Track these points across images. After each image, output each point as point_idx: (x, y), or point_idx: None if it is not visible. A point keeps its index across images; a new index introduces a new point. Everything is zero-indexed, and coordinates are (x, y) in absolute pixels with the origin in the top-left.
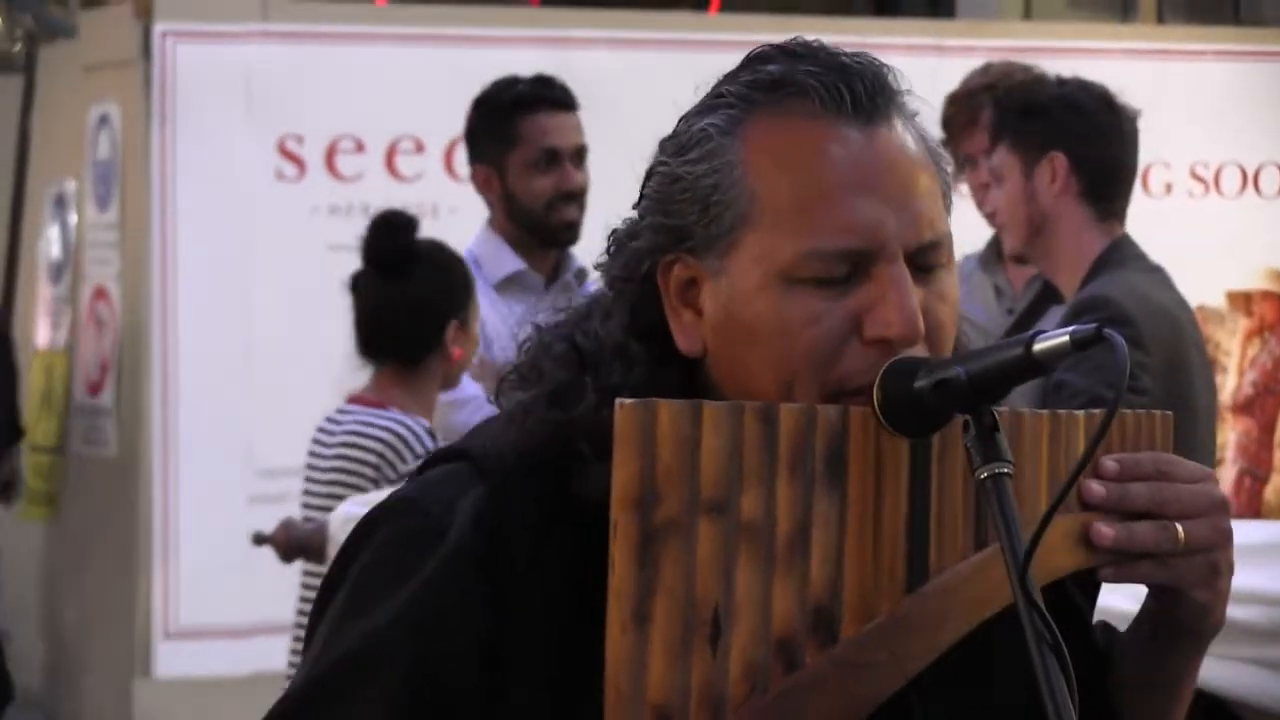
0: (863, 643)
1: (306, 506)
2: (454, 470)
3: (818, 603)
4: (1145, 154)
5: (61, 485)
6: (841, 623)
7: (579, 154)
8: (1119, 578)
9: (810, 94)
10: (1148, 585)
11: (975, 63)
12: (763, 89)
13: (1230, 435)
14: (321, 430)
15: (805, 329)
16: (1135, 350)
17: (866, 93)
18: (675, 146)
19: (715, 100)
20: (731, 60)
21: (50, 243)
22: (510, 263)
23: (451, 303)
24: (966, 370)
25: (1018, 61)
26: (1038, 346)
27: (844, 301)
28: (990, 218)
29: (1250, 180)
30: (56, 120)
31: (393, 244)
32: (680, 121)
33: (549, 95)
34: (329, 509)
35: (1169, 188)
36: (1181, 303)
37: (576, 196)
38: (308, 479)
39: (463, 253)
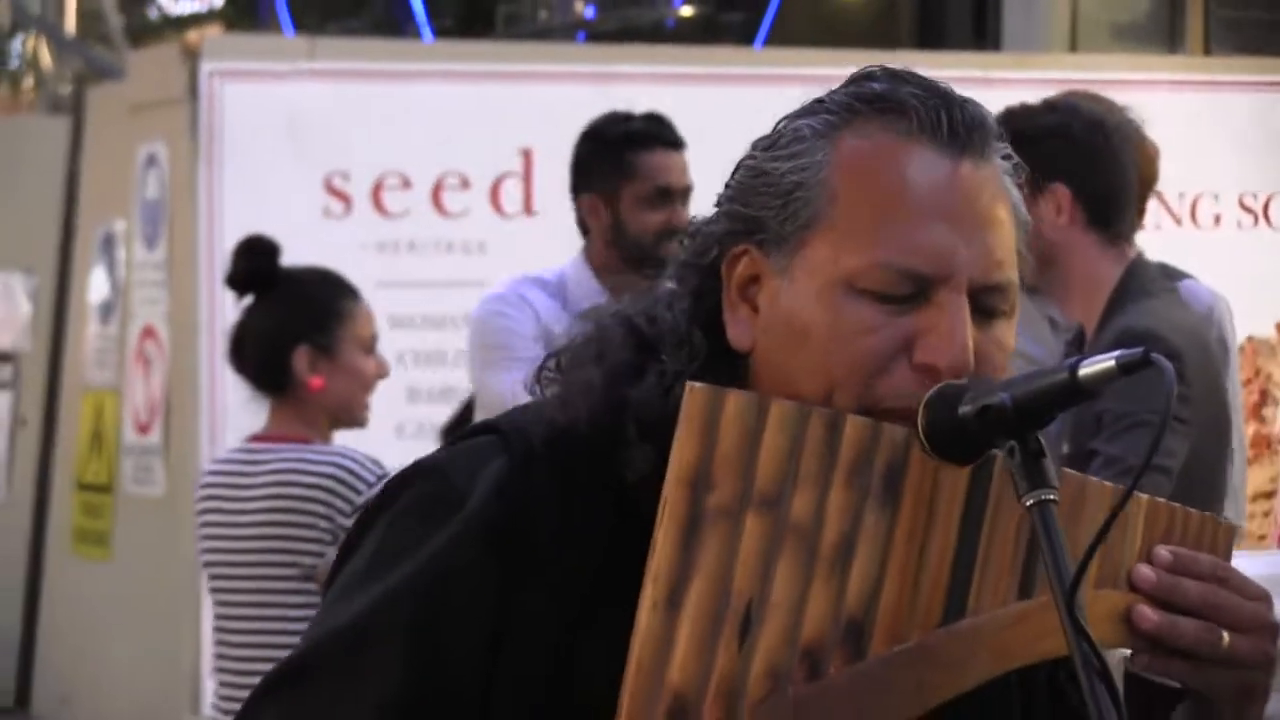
0: (890, 663)
1: (218, 551)
2: (483, 442)
3: (851, 616)
4: (1193, 185)
5: (111, 524)
6: (871, 640)
7: (686, 194)
8: (1152, 668)
9: (909, 113)
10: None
11: (1021, 95)
12: (864, 100)
13: None
14: (227, 473)
15: (858, 339)
16: (1181, 383)
17: (964, 124)
18: (767, 143)
19: (816, 105)
20: (777, 94)
21: (99, 282)
22: (594, 293)
23: (298, 330)
24: (1011, 396)
25: (1083, 91)
26: (1083, 371)
27: (900, 320)
28: None
29: None
30: (105, 160)
31: (246, 268)
32: (778, 123)
33: (664, 134)
34: (265, 551)
35: (1218, 219)
36: (1203, 315)
37: (680, 234)
38: (215, 523)
39: (554, 276)
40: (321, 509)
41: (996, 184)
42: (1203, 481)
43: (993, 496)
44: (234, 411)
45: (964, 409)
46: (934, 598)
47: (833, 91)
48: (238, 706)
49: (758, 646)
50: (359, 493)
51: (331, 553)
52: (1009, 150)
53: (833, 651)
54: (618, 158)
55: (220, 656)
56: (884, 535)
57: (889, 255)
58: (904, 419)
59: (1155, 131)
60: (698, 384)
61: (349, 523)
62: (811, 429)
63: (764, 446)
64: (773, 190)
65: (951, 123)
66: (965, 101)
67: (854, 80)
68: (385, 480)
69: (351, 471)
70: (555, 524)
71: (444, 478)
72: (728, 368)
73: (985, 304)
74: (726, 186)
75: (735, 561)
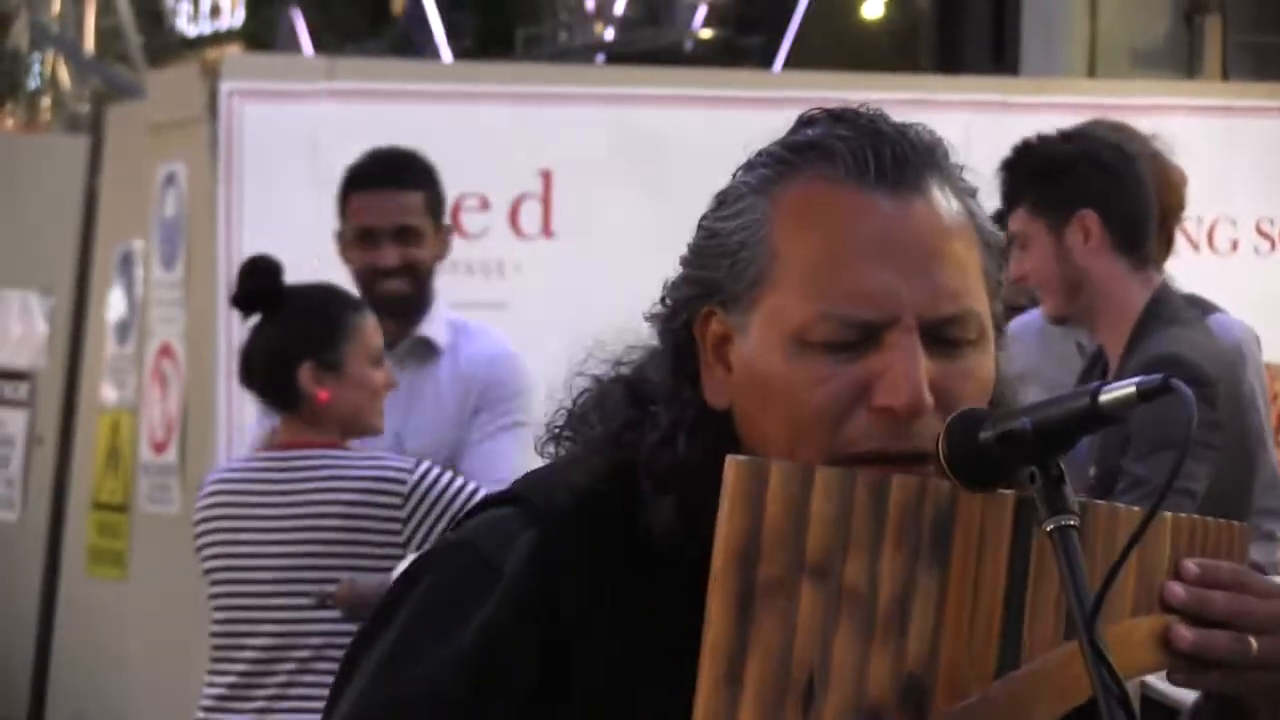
0: None
1: (238, 557)
2: (506, 514)
3: (911, 676)
4: (1211, 211)
5: (127, 544)
6: (932, 699)
7: (401, 233)
8: (1191, 684)
9: (836, 159)
10: (1215, 694)
11: (1040, 120)
12: (796, 150)
13: None
14: (246, 480)
15: (812, 391)
16: (1209, 409)
17: (895, 160)
18: (717, 201)
19: (757, 158)
20: (796, 117)
21: (116, 301)
22: None
23: (302, 347)
24: (1032, 421)
25: (1102, 117)
26: (1104, 397)
27: (853, 368)
28: (1018, 282)
29: None
30: (123, 179)
31: (249, 289)
32: (734, 174)
33: (374, 173)
34: (316, 554)
35: (1235, 245)
36: (1233, 346)
37: (395, 273)
38: (233, 529)
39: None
40: (376, 509)
41: (941, 213)
42: (1229, 503)
43: (1036, 541)
44: (250, 430)
45: (984, 434)
46: (988, 647)
47: (773, 142)
48: (239, 704)
49: (822, 716)
50: (404, 483)
51: (360, 575)
52: (960, 171)
53: (895, 714)
54: (340, 198)
55: (222, 661)
56: (937, 591)
57: (830, 305)
58: (873, 462)
59: (1172, 156)
60: (739, 457)
61: (405, 514)
62: (858, 493)
63: (812, 515)
64: (722, 251)
65: (879, 161)
66: (899, 135)
67: (796, 126)
68: (412, 559)
69: (391, 467)
70: (589, 588)
71: (476, 551)
72: (720, 422)
73: (944, 336)
74: (688, 248)
75: (793, 633)
